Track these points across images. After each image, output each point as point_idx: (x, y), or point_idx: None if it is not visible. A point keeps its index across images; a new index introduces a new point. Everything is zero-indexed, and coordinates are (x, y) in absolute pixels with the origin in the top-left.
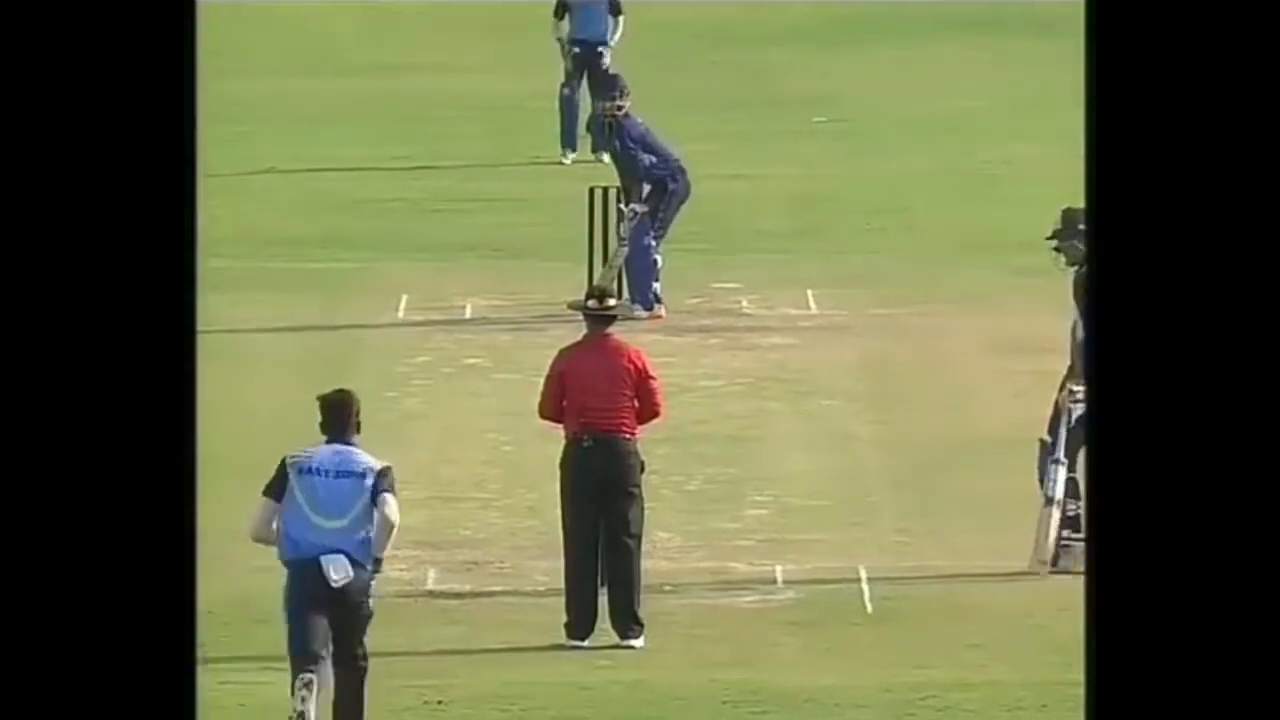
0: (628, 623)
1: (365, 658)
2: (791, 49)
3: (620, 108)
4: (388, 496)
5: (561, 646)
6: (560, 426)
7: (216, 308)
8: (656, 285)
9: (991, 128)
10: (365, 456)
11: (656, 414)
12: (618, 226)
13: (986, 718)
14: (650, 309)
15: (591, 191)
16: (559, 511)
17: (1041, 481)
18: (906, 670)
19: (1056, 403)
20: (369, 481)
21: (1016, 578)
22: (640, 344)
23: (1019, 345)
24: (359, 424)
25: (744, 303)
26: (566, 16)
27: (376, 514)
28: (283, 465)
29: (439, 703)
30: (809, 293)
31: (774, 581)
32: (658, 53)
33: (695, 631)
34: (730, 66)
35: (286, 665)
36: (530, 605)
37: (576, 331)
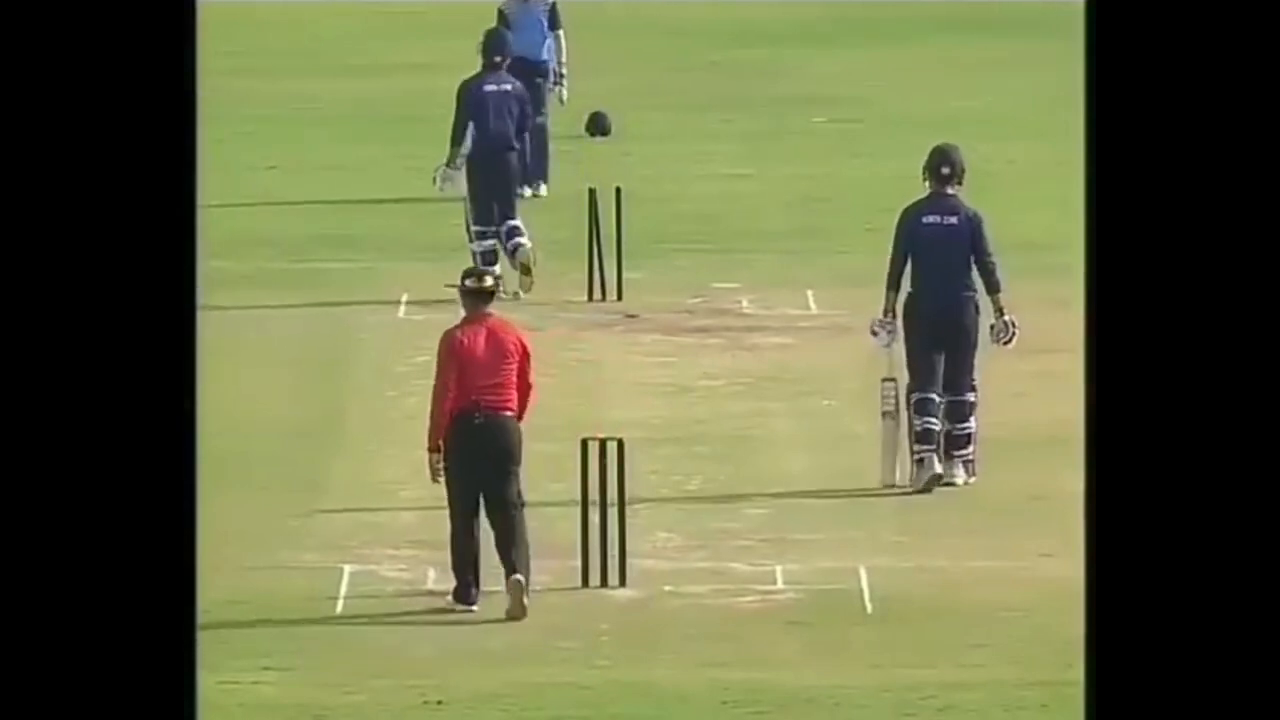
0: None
1: None
2: (792, 49)
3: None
4: None
5: (560, 646)
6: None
7: (216, 308)
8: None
9: (991, 128)
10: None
11: (530, 389)
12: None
13: (986, 718)
14: None
15: (591, 192)
16: (446, 487)
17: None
18: (906, 670)
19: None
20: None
21: (1016, 578)
22: (640, 344)
23: (1019, 345)
24: None
25: (744, 303)
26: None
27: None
28: None
29: (439, 703)
30: (809, 293)
31: (774, 581)
32: (658, 53)
33: (695, 631)
34: (730, 66)
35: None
36: (530, 605)
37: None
